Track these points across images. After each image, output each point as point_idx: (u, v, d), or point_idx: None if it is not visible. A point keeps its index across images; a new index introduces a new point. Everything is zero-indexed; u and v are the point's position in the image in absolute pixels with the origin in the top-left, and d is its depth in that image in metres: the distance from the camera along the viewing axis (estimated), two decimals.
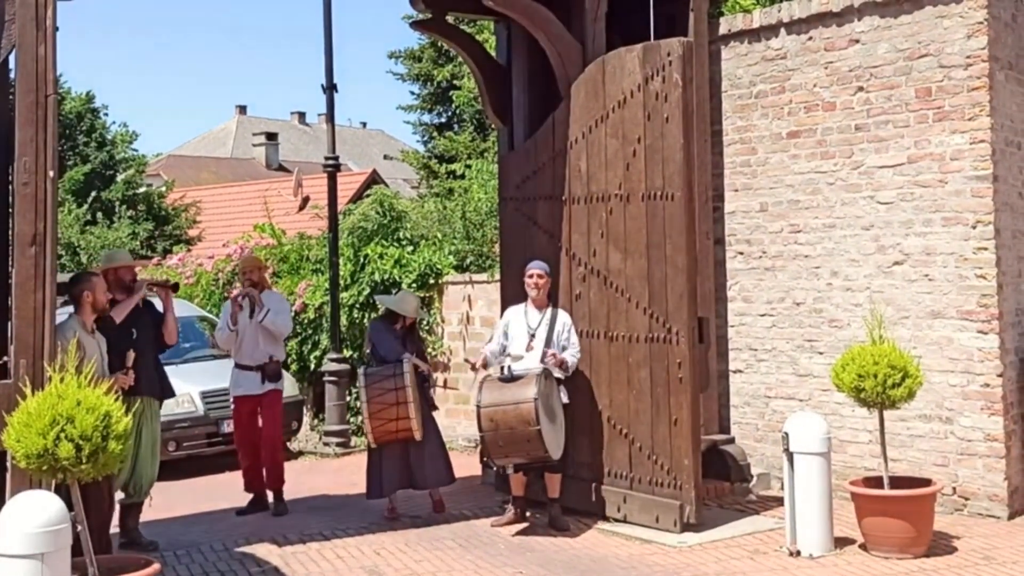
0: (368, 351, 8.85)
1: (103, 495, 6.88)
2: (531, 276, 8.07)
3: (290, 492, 9.20)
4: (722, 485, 8.77)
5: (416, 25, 9.72)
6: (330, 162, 12.92)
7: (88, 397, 5.23)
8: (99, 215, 23.84)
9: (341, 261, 13.02)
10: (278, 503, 8.94)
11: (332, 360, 12.47)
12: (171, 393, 8.29)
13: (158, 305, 8.08)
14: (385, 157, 40.67)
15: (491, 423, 7.53)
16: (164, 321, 7.99)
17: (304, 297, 13.58)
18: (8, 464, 5.70)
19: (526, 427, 7.43)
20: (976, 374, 7.88)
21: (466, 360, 7.97)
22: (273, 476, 8.97)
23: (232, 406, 9.29)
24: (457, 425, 11.68)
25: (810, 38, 8.80)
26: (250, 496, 9.01)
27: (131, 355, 7.31)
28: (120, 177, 27.34)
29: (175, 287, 8.39)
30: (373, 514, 8.50)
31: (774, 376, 9.06)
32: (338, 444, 12.29)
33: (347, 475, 10.46)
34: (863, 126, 8.48)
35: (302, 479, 10.02)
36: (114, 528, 7.47)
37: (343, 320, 12.91)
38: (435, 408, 8.84)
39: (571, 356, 7.96)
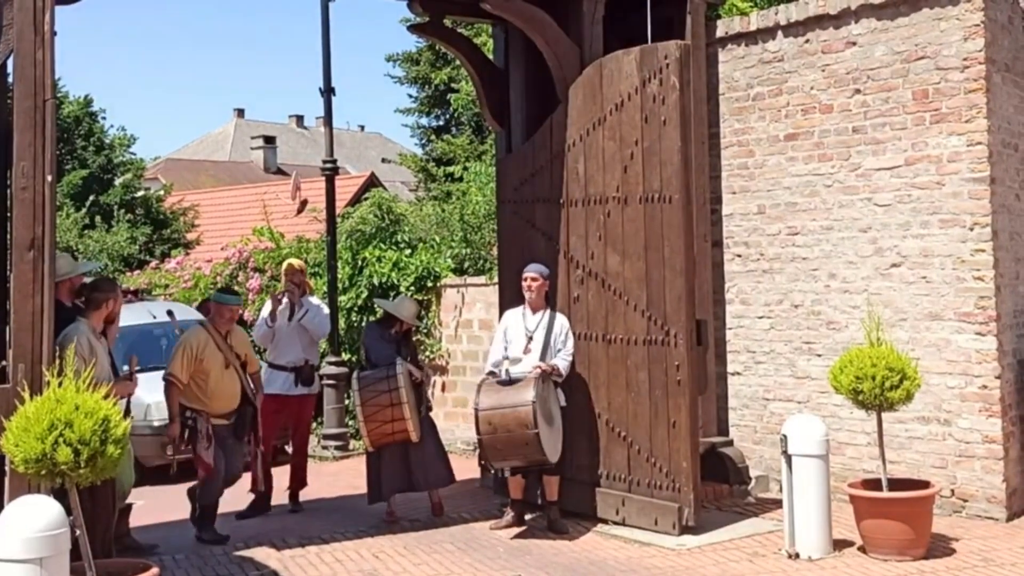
0: (363, 354, 8.86)
1: (109, 498, 6.88)
2: (525, 279, 8.08)
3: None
4: (721, 487, 8.78)
5: (414, 28, 9.72)
6: (328, 165, 12.93)
7: (86, 401, 5.23)
8: (97, 219, 23.85)
9: (339, 264, 13.03)
10: (296, 502, 9.21)
11: (330, 363, 12.46)
12: None
13: None
14: (383, 160, 40.69)
15: (489, 426, 7.54)
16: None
17: None
18: (7, 468, 5.70)
19: (524, 430, 7.44)
20: (974, 376, 7.89)
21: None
22: (299, 477, 9.27)
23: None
24: (456, 428, 11.67)
25: (807, 40, 8.82)
26: (251, 498, 8.98)
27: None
28: (118, 181, 27.33)
29: (135, 295, 8.48)
30: (372, 517, 8.50)
31: (772, 378, 9.07)
32: (336, 447, 12.29)
33: (346, 478, 10.46)
34: (860, 128, 8.49)
35: None
36: None
37: (341, 323, 12.91)
38: (430, 408, 8.83)
39: (562, 360, 7.94)
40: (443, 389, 12.53)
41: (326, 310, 9.90)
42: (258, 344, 9.87)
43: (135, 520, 8.10)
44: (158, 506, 9.24)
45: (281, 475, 9.30)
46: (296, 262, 9.80)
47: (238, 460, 8.34)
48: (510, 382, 7.67)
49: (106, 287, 7.21)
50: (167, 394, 8.02)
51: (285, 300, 9.24)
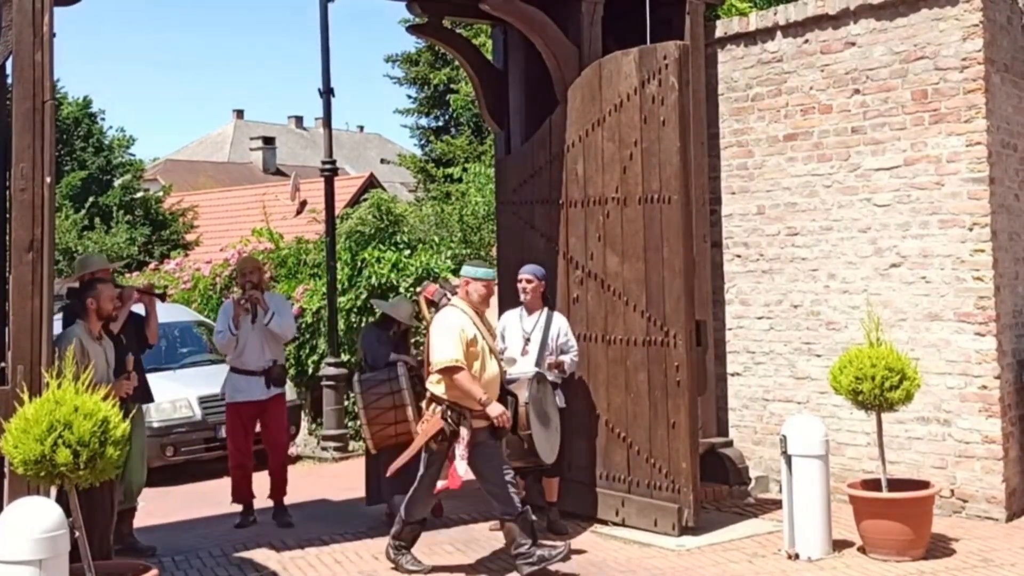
0: (361, 357, 8.82)
1: (107, 500, 6.88)
2: (519, 281, 8.07)
3: (288, 497, 9.09)
4: (720, 488, 8.77)
5: (413, 29, 9.72)
6: (327, 166, 12.92)
7: (86, 403, 5.22)
8: (96, 220, 23.88)
9: (339, 265, 13.02)
10: (282, 513, 8.63)
11: (330, 364, 12.47)
12: (151, 398, 8.25)
13: (137, 309, 8.05)
14: (382, 161, 40.74)
15: None
16: (147, 323, 7.95)
17: (302, 301, 13.58)
18: (6, 470, 5.69)
19: (517, 431, 7.42)
20: (974, 376, 7.89)
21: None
22: (278, 485, 8.71)
23: (226, 412, 8.92)
24: None
25: (806, 41, 8.82)
26: (240, 507, 8.72)
27: (130, 359, 7.30)
28: (117, 182, 27.37)
29: (162, 297, 8.32)
30: (371, 519, 8.49)
31: (772, 379, 9.06)
32: (336, 449, 12.29)
33: (345, 480, 10.45)
34: (859, 129, 8.49)
35: (300, 484, 10.00)
36: None
37: (340, 324, 12.90)
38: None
39: (570, 359, 7.95)
40: None
41: (288, 305, 9.29)
42: (220, 351, 9.51)
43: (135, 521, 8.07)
44: (158, 508, 9.22)
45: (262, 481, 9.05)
46: (251, 259, 9.47)
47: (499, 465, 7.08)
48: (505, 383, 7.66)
49: (87, 288, 7.18)
50: (462, 381, 6.68)
51: (250, 306, 8.54)
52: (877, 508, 7.07)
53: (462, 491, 8.96)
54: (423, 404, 7.19)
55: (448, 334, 6.76)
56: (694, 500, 7.64)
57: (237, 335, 8.56)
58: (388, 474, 7.30)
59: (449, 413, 6.74)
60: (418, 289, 7.54)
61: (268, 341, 8.63)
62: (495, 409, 6.75)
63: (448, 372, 6.70)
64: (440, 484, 6.95)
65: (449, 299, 7.33)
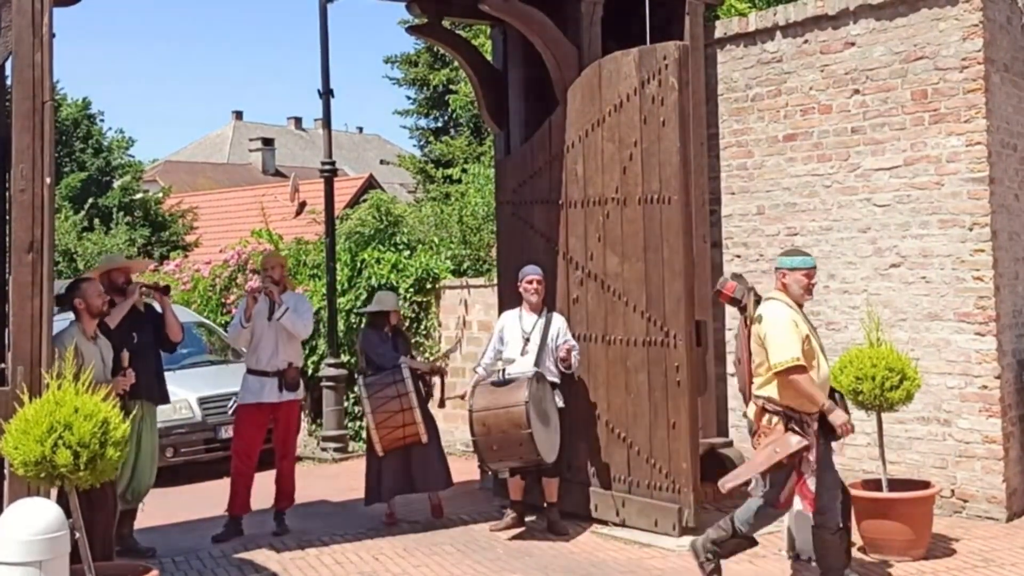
0: (362, 361, 8.80)
1: (109, 501, 6.88)
2: (531, 282, 8.07)
3: None
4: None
5: (412, 30, 9.71)
6: (326, 167, 12.93)
7: (86, 404, 5.22)
8: (96, 221, 23.85)
9: (338, 266, 13.02)
10: (281, 521, 8.40)
11: (329, 365, 12.47)
12: (167, 399, 8.22)
13: (158, 308, 8.07)
14: (382, 162, 40.72)
15: (483, 427, 7.56)
16: (164, 321, 7.96)
17: None
18: (6, 471, 5.69)
19: (518, 431, 7.44)
20: (974, 376, 7.88)
21: (460, 396, 7.93)
22: (285, 493, 8.51)
23: (234, 413, 8.83)
24: (455, 430, 11.65)
25: (806, 41, 8.81)
26: (225, 518, 8.38)
27: (125, 355, 7.27)
28: (117, 183, 27.37)
29: (166, 289, 8.32)
30: (371, 519, 8.49)
31: None
32: (336, 449, 12.29)
33: (345, 480, 10.45)
34: (859, 129, 8.49)
35: (300, 484, 9.95)
36: None
37: (340, 325, 12.90)
38: (431, 397, 8.70)
39: (574, 356, 7.97)
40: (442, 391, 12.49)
41: (309, 304, 9.03)
42: (233, 347, 9.44)
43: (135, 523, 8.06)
44: (158, 509, 9.20)
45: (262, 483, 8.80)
46: (274, 255, 9.44)
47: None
48: (504, 383, 7.68)
49: (73, 288, 7.18)
50: (803, 384, 6.01)
51: (263, 297, 8.31)
52: (877, 508, 7.07)
53: (461, 493, 9.03)
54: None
55: (786, 330, 6.07)
56: (694, 500, 7.64)
57: (248, 327, 8.32)
58: (725, 491, 6.48)
59: (793, 424, 6.06)
60: (716, 287, 6.97)
61: (283, 341, 8.36)
62: (839, 417, 6.06)
63: (787, 373, 6.01)
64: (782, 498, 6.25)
65: (751, 294, 6.65)
